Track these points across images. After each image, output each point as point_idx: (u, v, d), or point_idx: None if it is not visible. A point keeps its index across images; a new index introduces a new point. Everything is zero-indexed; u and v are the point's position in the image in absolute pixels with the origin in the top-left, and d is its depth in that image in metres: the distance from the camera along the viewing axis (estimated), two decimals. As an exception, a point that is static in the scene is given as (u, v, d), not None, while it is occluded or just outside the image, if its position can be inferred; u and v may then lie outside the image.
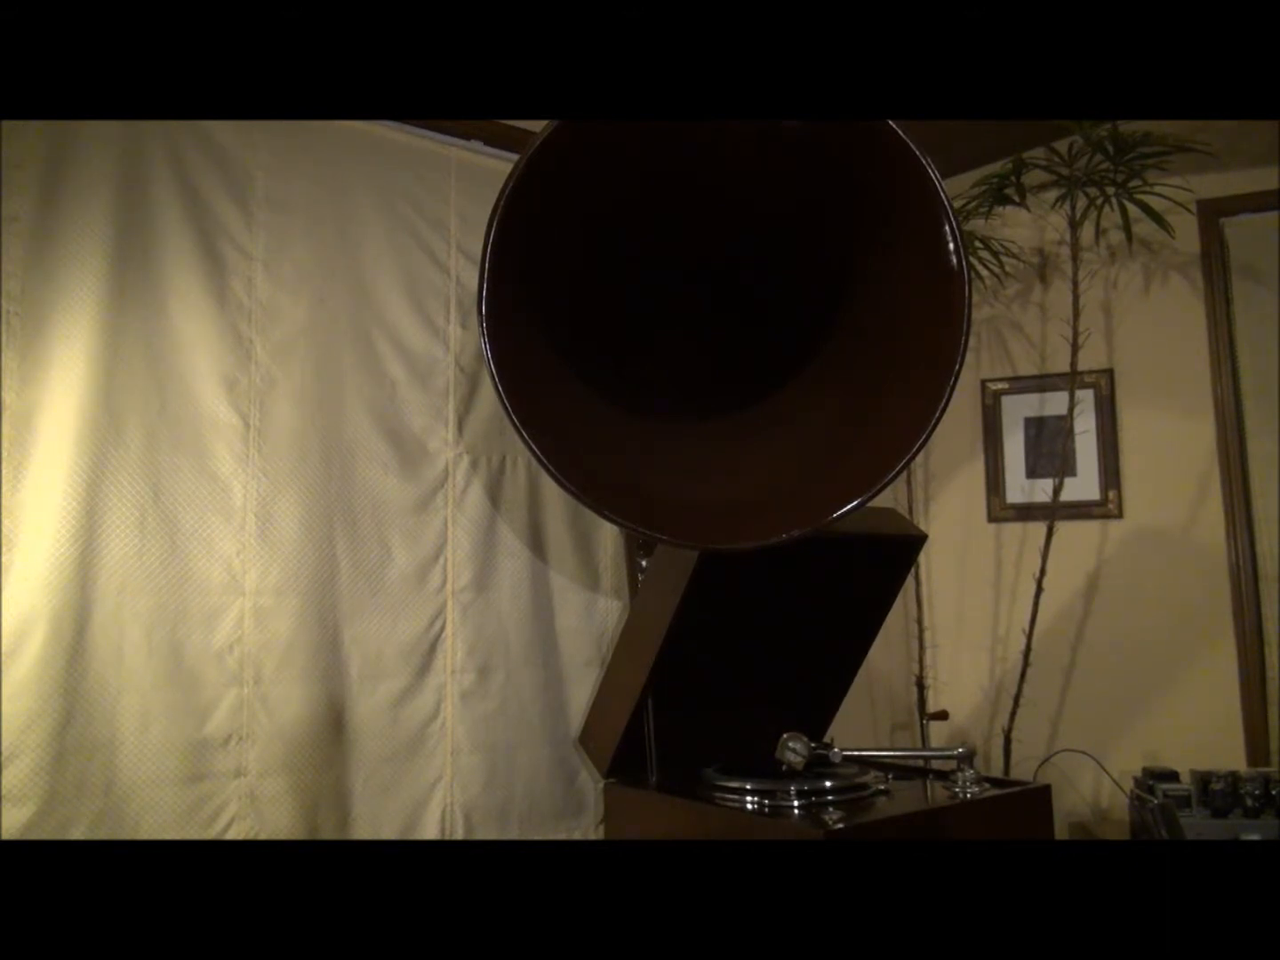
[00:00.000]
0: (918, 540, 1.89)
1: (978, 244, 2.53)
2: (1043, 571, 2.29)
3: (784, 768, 1.59)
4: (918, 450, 1.36)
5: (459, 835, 1.86)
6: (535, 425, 1.32)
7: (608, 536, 2.16)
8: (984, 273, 2.56)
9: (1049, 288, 2.65)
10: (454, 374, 1.98)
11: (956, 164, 2.68)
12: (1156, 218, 2.26)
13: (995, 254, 2.55)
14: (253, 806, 1.62)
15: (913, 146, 1.31)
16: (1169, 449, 2.47)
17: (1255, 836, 1.85)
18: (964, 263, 1.35)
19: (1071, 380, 2.31)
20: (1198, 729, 2.36)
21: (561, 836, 2.00)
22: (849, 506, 1.37)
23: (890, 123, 1.30)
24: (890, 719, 2.75)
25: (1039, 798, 1.65)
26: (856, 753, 1.72)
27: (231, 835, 1.60)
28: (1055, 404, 2.59)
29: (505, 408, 1.30)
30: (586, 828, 2.04)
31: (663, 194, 1.52)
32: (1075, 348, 2.29)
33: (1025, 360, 2.67)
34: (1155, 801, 1.91)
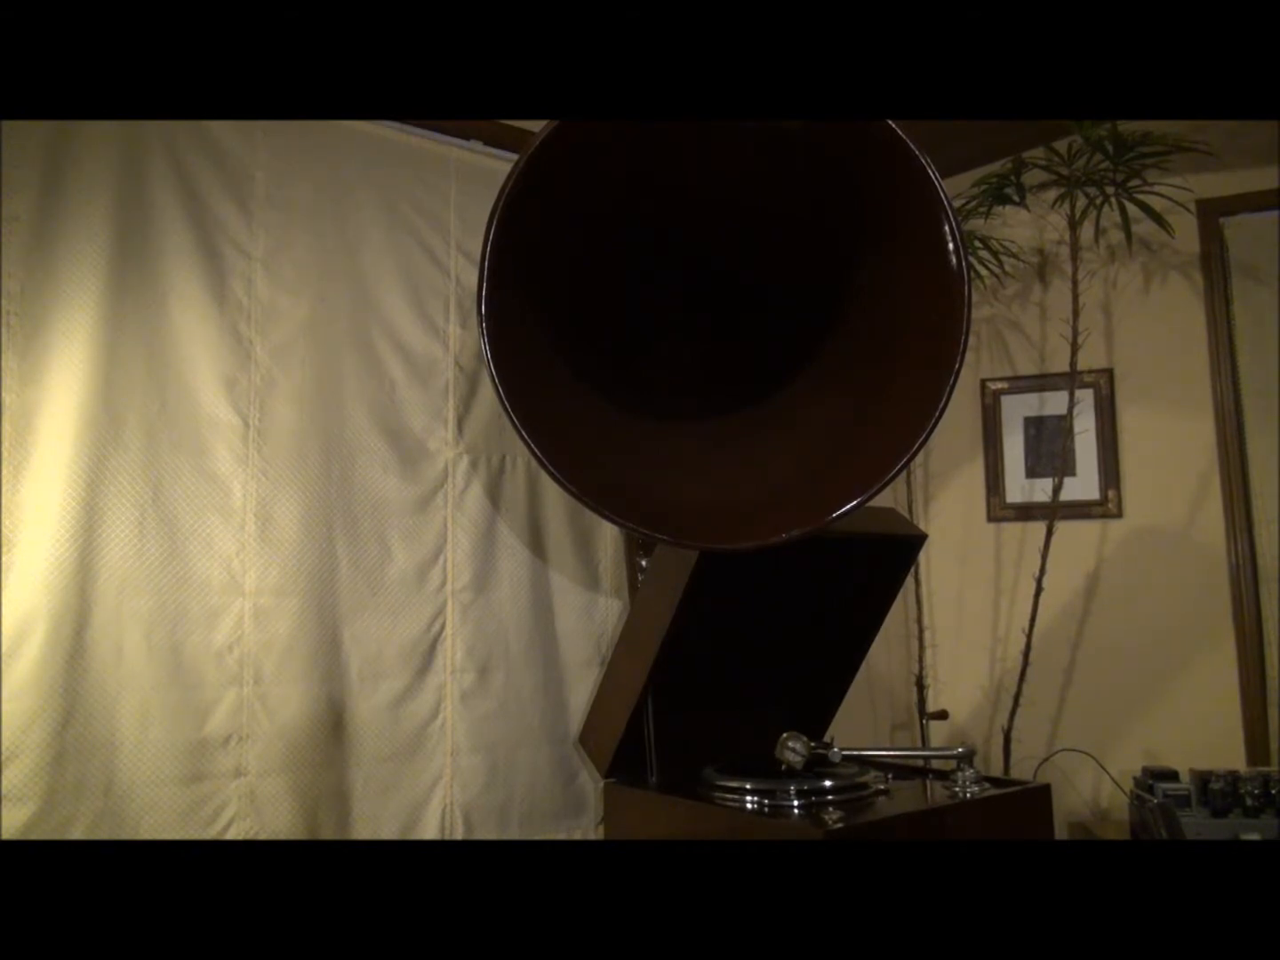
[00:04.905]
0: (918, 540, 1.89)
1: (978, 244, 2.53)
2: (1043, 571, 2.29)
3: (784, 768, 1.59)
4: (917, 450, 1.36)
5: (459, 835, 1.86)
6: (535, 425, 1.32)
7: (608, 536, 2.16)
8: (984, 272, 2.56)
9: (1049, 287, 2.65)
10: (454, 374, 1.98)
11: (956, 164, 2.68)
12: (1156, 217, 2.26)
13: (995, 254, 2.55)
14: (253, 806, 1.62)
15: (913, 146, 1.31)
16: (1169, 449, 2.47)
17: (1255, 836, 1.85)
18: (964, 262, 1.35)
19: (1071, 380, 2.31)
20: (1198, 729, 2.36)
21: (561, 836, 2.00)
22: (849, 506, 1.37)
23: (890, 123, 1.30)
24: (890, 719, 2.75)
25: (1039, 798, 1.65)
26: (856, 752, 1.72)
27: (231, 835, 1.60)
28: (1055, 404, 2.59)
29: (505, 408, 1.30)
30: (586, 828, 2.04)
31: (663, 193, 1.52)
32: (1075, 347, 2.29)
33: (1025, 360, 2.67)
34: (1155, 801, 1.91)
